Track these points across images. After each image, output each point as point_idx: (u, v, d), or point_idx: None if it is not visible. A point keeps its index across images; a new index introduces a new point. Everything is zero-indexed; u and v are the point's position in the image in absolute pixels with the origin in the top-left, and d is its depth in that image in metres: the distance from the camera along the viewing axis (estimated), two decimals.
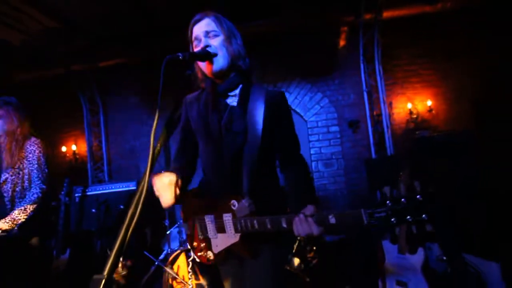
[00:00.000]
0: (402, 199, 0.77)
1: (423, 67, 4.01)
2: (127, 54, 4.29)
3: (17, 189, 1.85)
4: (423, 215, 0.73)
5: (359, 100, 4.02)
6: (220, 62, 1.01)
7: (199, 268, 2.17)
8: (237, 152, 1.03)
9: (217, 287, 2.08)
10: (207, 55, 0.99)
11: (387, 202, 0.79)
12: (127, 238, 0.65)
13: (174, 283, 2.19)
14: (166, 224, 3.20)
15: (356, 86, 4.05)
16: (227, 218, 1.04)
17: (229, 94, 1.07)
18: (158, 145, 0.83)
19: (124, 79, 4.68)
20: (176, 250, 2.32)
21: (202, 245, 1.14)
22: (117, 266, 0.62)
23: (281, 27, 3.78)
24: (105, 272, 0.58)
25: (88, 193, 3.85)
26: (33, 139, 1.91)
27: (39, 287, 1.96)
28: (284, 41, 3.96)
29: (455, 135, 3.18)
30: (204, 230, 1.12)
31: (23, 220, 1.76)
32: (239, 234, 1.01)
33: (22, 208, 1.76)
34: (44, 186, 1.86)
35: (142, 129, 4.65)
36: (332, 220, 0.85)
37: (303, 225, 0.87)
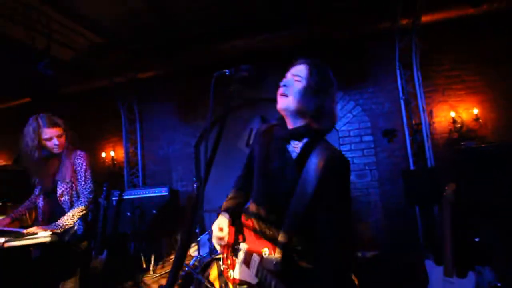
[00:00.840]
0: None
1: (467, 73, 3.72)
2: (162, 66, 4.53)
3: (73, 199, 1.98)
4: None
5: (395, 109, 3.82)
6: (288, 103, 1.02)
7: None
8: (283, 201, 1.00)
9: None
10: (257, 79, 0.97)
11: None
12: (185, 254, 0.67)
13: None
14: (197, 231, 3.24)
15: (391, 94, 3.87)
16: (255, 259, 1.04)
17: (294, 142, 1.05)
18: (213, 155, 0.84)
19: (159, 89, 4.93)
20: (208, 257, 2.32)
21: (229, 261, 1.17)
22: (177, 281, 0.62)
23: (312, 34, 3.76)
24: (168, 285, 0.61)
25: (124, 197, 4.06)
26: (79, 152, 2.03)
27: (81, 286, 2.07)
28: (316, 48, 3.92)
29: (506, 146, 2.88)
30: (235, 252, 1.16)
31: (70, 225, 1.87)
32: (258, 280, 1.01)
33: (70, 214, 1.88)
34: (91, 196, 1.98)
35: (175, 136, 4.83)
36: None
37: None
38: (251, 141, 4.62)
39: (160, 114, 4.97)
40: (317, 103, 1.00)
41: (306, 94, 1.00)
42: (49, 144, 1.92)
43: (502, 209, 2.36)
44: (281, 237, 0.98)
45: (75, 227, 1.95)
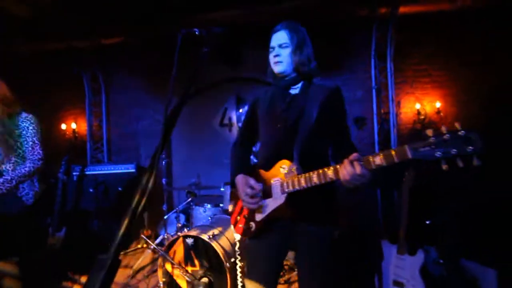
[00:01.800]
0: (446, 134, 0.80)
1: (434, 67, 3.91)
2: (132, 32, 4.17)
3: (10, 161, 1.79)
4: (469, 148, 0.76)
5: (367, 97, 3.94)
6: (284, 67, 1.24)
7: (195, 254, 2.15)
8: (293, 124, 1.20)
9: (215, 271, 2.07)
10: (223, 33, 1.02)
11: (431, 137, 0.83)
12: (134, 218, 0.65)
13: (169, 268, 2.18)
14: (164, 209, 3.18)
15: (365, 83, 3.96)
16: (276, 182, 1.17)
17: (292, 87, 1.28)
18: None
19: (128, 59, 4.57)
20: (174, 235, 2.29)
21: (245, 215, 1.25)
22: (122, 246, 0.62)
23: (289, 15, 3.66)
24: (111, 252, 0.58)
25: (87, 173, 3.82)
26: (24, 114, 1.83)
27: (33, 260, 1.95)
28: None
29: None
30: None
31: (4, 191, 1.68)
32: (285, 195, 1.13)
33: (8, 178, 1.69)
34: (38, 163, 1.79)
35: (145, 112, 4.57)
36: (377, 160, 0.91)
37: (347, 168, 0.94)
38: (225, 121, 4.56)
39: (129, 87, 4.65)
40: (304, 56, 1.24)
41: (295, 54, 1.23)
42: None
43: (451, 195, 2.60)
44: (295, 155, 1.15)
45: (23, 197, 1.79)
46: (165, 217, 2.97)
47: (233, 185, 1.30)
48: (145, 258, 3.15)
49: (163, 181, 3.28)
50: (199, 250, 2.13)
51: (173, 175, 4.33)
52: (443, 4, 3.54)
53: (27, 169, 1.75)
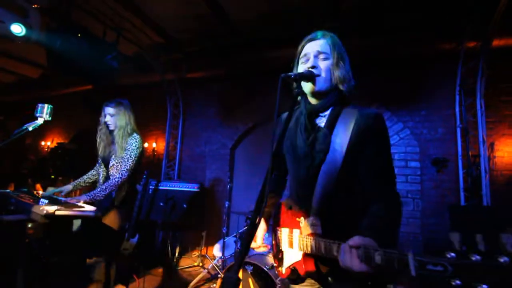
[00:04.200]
0: (475, 255, 0.51)
1: None
2: (212, 68, 4.73)
3: (114, 161, 2.20)
4: None
5: (449, 136, 3.51)
6: (321, 83, 1.02)
7: (253, 282, 2.11)
8: (314, 171, 1.00)
9: None
10: (311, 77, 1.00)
11: (450, 253, 0.55)
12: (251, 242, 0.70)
13: None
14: (224, 231, 3.26)
15: (447, 120, 3.57)
16: (296, 234, 1.04)
17: (320, 114, 1.06)
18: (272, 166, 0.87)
19: (205, 90, 5.15)
20: (231, 261, 2.31)
21: (280, 256, 1.15)
22: (242, 266, 0.64)
23: (372, 49, 3.64)
24: (234, 272, 0.63)
25: (160, 188, 4.24)
26: (134, 134, 2.25)
27: (108, 262, 2.20)
28: (365, 63, 3.79)
29: None
30: (280, 242, 1.14)
31: (101, 197, 2.04)
32: (302, 252, 0.99)
33: (104, 187, 2.06)
34: (126, 175, 2.13)
35: (213, 136, 4.98)
36: (378, 258, 0.68)
37: (345, 255, 0.76)
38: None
39: (202, 113, 5.17)
40: (342, 73, 1.02)
41: (335, 69, 1.02)
42: (105, 120, 2.22)
43: None
44: (314, 207, 0.98)
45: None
46: (225, 239, 3.03)
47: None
48: (201, 277, 3.22)
49: (226, 203, 3.41)
50: (257, 279, 2.09)
51: (232, 200, 4.48)
52: None
53: (116, 180, 2.11)
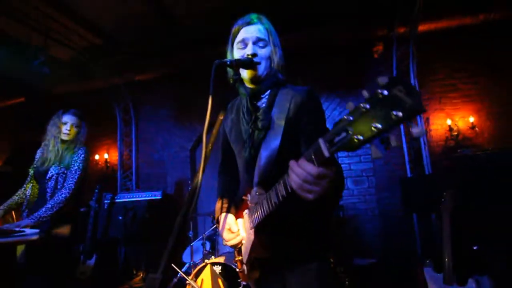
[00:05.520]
0: (363, 104, 0.50)
1: (462, 81, 3.76)
2: (160, 68, 4.50)
3: (58, 187, 1.98)
4: (395, 113, 0.44)
5: None
6: (262, 70, 1.02)
7: (223, 282, 2.07)
8: (256, 148, 1.01)
9: None
10: (251, 64, 0.99)
11: (346, 116, 0.53)
12: (179, 240, 0.65)
13: None
14: (190, 235, 3.16)
15: None
16: (246, 215, 0.99)
17: (261, 96, 1.07)
18: (210, 145, 0.80)
19: (155, 91, 4.89)
20: (201, 263, 2.24)
21: (239, 258, 1.06)
22: (170, 267, 0.61)
23: (311, 40, 3.78)
24: (160, 272, 0.59)
25: (117, 200, 3.96)
26: (82, 147, 2.14)
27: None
28: (313, 53, 3.94)
29: (503, 153, 2.88)
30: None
31: (47, 217, 1.84)
32: (253, 230, 0.94)
33: (49, 206, 1.86)
34: (74, 187, 1.95)
35: (171, 139, 4.77)
36: (324, 146, 0.59)
37: (295, 170, 0.66)
38: None
39: (156, 116, 4.92)
40: (281, 61, 1.05)
41: (273, 55, 1.04)
42: (63, 128, 2.08)
43: (500, 217, 2.34)
44: (255, 179, 0.97)
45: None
46: (191, 244, 2.94)
47: (217, 221, 1.12)
48: (171, 286, 3.08)
49: None
50: (227, 278, 2.06)
51: (198, 201, 4.36)
52: (464, 19, 3.48)
53: (63, 195, 1.91)
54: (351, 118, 0.53)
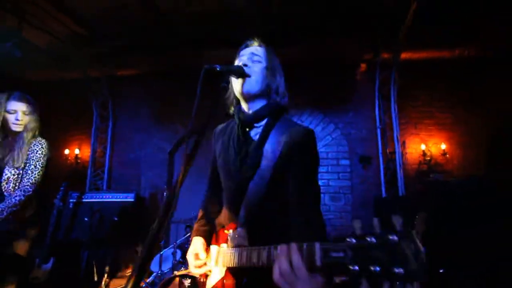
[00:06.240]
0: (371, 237, 0.50)
1: (438, 110, 4.00)
2: (143, 65, 4.36)
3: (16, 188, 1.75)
4: (397, 269, 0.45)
5: (372, 136, 3.97)
6: (252, 85, 0.99)
7: None
8: (243, 185, 0.96)
9: None
10: (240, 72, 0.97)
11: (351, 238, 0.53)
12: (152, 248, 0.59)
13: None
14: (161, 243, 3.00)
15: (370, 122, 4.02)
16: (222, 248, 0.96)
17: (255, 125, 1.02)
18: (187, 167, 0.75)
19: (137, 88, 4.72)
20: (169, 274, 2.12)
21: (202, 280, 1.02)
22: (144, 274, 0.56)
23: (299, 56, 3.85)
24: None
25: (84, 200, 3.70)
26: (39, 138, 1.85)
27: None
28: (299, 69, 4.00)
29: (473, 181, 3.05)
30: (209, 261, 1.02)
31: None
32: (225, 268, 0.91)
33: (0, 209, 1.64)
34: (30, 190, 1.74)
35: (149, 140, 4.59)
36: (318, 252, 0.57)
37: (281, 261, 0.61)
38: None
39: (136, 114, 4.73)
40: (276, 82, 1.02)
41: (267, 73, 1.01)
42: (10, 118, 1.76)
43: (469, 242, 2.45)
44: (241, 219, 0.93)
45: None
46: (161, 253, 2.79)
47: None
48: None
49: None
50: None
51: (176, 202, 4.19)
52: (443, 51, 3.73)
53: (17, 198, 1.69)
54: (353, 241, 0.52)
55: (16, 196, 1.69)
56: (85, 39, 3.99)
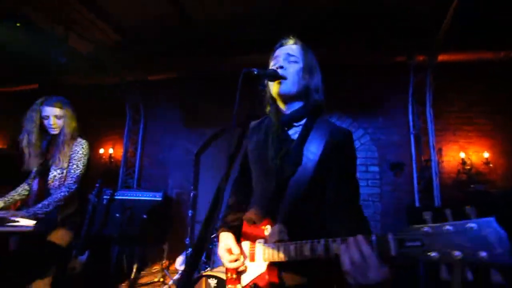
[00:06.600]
0: (447, 226, 0.52)
1: (478, 115, 3.72)
2: (174, 70, 4.53)
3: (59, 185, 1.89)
4: (482, 254, 0.46)
5: (404, 142, 3.77)
6: (289, 86, 0.99)
7: None
8: (283, 183, 0.97)
9: None
10: (275, 75, 0.97)
11: (425, 227, 0.55)
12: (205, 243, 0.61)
13: None
14: (187, 242, 3.06)
15: (402, 127, 3.83)
16: (259, 244, 0.96)
17: (294, 124, 1.03)
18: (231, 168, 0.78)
19: (167, 92, 4.91)
20: (196, 274, 2.15)
21: (234, 276, 1.01)
22: (197, 265, 0.60)
23: (327, 58, 3.78)
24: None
25: (116, 197, 3.88)
26: (79, 139, 1.98)
27: (53, 284, 1.91)
28: (327, 72, 3.92)
29: None
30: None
31: (42, 215, 1.76)
32: (266, 263, 0.92)
33: (46, 203, 1.78)
34: (73, 187, 1.87)
35: (177, 142, 4.73)
36: (392, 242, 0.61)
37: (352, 250, 0.65)
38: None
39: (165, 117, 4.91)
40: (313, 82, 1.01)
41: (304, 74, 1.00)
42: (45, 122, 1.89)
43: None
44: (280, 216, 0.94)
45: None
46: (188, 251, 2.84)
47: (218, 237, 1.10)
48: None
49: (189, 213, 3.22)
50: None
51: (197, 208, 4.27)
52: (484, 53, 3.48)
53: (62, 194, 1.83)
54: (429, 231, 0.55)
55: (61, 192, 1.83)
56: (120, 46, 4.24)
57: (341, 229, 0.88)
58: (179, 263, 3.15)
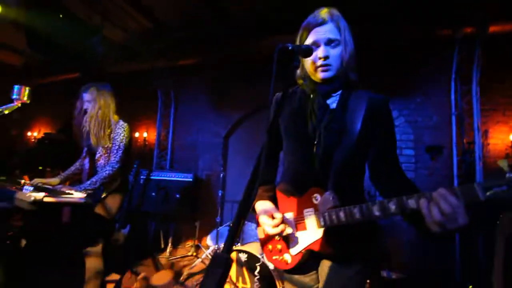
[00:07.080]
0: None
1: None
2: (203, 55, 4.57)
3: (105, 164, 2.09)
4: None
5: (444, 124, 3.50)
6: (333, 72, 1.00)
7: (248, 271, 2.06)
8: (329, 151, 0.99)
9: None
10: (310, 52, 0.94)
11: (508, 173, 0.62)
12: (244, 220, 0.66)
13: None
14: (217, 220, 3.21)
15: (442, 108, 3.55)
16: (309, 213, 0.99)
17: (333, 94, 1.05)
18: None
19: (196, 77, 4.99)
20: None
21: (279, 246, 1.05)
22: (232, 246, 0.62)
23: (359, 36, 3.56)
24: (225, 251, 0.60)
25: (152, 178, 4.15)
26: (121, 122, 2.14)
27: (103, 251, 2.14)
28: (359, 50, 3.70)
29: None
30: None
31: (91, 191, 1.95)
32: (322, 229, 0.95)
33: (94, 180, 1.97)
34: (116, 166, 2.03)
35: (205, 125, 4.86)
36: (480, 191, 0.68)
37: (441, 203, 0.71)
38: None
39: (194, 102, 5.03)
40: (350, 56, 1.01)
41: (344, 55, 1.00)
42: (84, 106, 2.09)
43: None
44: (330, 184, 0.97)
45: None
46: (219, 228, 2.98)
47: (254, 209, 1.12)
48: (195, 266, 3.18)
49: (219, 193, 3.35)
50: (251, 267, 2.05)
51: (226, 189, 4.42)
52: None
53: (107, 172, 2.01)
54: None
55: (106, 170, 2.01)
56: (152, 33, 4.35)
57: (400, 188, 0.90)
58: (210, 239, 3.33)
